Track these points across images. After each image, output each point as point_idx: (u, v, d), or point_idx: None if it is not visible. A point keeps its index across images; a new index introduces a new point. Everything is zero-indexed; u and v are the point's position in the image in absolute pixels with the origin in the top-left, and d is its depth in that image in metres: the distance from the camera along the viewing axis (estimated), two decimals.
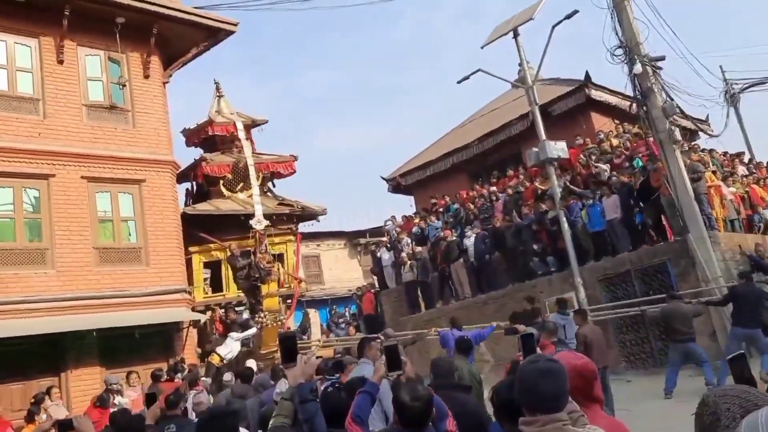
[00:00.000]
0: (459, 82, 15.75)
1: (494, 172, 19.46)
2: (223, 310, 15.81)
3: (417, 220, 19.89)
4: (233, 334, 13.05)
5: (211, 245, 17.39)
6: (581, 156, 16.10)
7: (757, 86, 21.71)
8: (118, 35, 13.77)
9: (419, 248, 17.58)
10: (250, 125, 19.13)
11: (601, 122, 18.62)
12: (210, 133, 18.50)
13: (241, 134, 17.64)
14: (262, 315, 13.93)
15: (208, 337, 15.77)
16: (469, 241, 16.25)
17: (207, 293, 17.57)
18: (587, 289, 13.51)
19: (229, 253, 15.36)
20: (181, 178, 18.21)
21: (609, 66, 12.76)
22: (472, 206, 18.04)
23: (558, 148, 14.39)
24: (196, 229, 16.85)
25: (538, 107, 14.97)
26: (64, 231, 12.64)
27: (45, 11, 13.14)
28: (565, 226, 13.83)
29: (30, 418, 9.14)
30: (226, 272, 17.20)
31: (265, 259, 14.51)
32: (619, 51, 12.70)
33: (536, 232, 15.13)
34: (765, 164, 18.50)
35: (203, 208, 17.51)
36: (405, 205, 28.01)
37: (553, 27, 14.00)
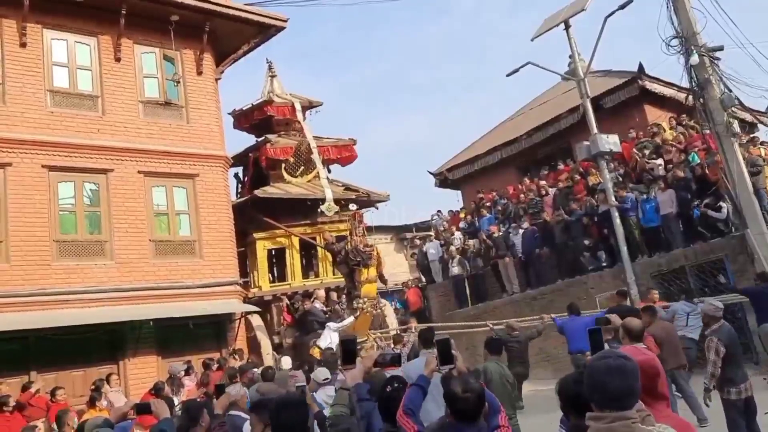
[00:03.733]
0: (508, 75, 15.61)
1: (544, 166, 19.21)
2: (294, 300, 15.39)
3: (464, 215, 19.80)
4: (331, 324, 12.41)
5: (277, 231, 16.55)
6: (634, 150, 15.76)
7: None
8: (172, 33, 14.11)
9: (469, 242, 17.52)
10: (307, 107, 18.37)
11: (655, 115, 18.15)
12: (266, 115, 17.51)
13: (300, 115, 17.13)
14: (360, 302, 13.22)
15: (275, 328, 15.47)
16: (517, 237, 16.12)
17: (273, 282, 16.90)
18: (640, 286, 13.24)
19: (323, 242, 14.86)
20: (232, 163, 17.32)
21: (664, 57, 12.46)
22: (520, 201, 17.87)
23: (610, 142, 14.12)
24: (262, 214, 16.09)
25: (589, 100, 14.72)
26: (122, 224, 13.06)
27: (102, 11, 13.56)
28: (617, 221, 13.58)
29: (91, 403, 9.50)
30: (291, 260, 16.63)
31: (363, 242, 13.80)
32: (675, 41, 12.35)
33: (586, 226, 14.90)
34: None
35: (273, 191, 16.65)
36: (452, 200, 27.90)
37: (606, 18, 13.74)
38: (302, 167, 17.15)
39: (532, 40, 15.68)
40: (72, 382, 11.72)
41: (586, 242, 15.09)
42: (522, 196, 18.13)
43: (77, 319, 11.55)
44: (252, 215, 16.17)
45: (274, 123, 17.81)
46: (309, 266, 17.81)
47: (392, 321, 16.20)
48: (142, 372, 12.35)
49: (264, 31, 15.75)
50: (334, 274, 16.76)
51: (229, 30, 15.27)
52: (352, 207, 14.31)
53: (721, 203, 12.58)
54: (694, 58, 12.10)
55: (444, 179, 23.26)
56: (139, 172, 13.53)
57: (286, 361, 11.23)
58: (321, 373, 6.15)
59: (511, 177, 20.65)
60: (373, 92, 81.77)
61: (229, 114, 18.05)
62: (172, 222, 13.97)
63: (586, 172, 16.53)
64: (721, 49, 12.38)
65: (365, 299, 13.32)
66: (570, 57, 15.13)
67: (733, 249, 12.25)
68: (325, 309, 14.60)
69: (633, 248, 13.70)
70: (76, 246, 12.59)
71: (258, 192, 16.17)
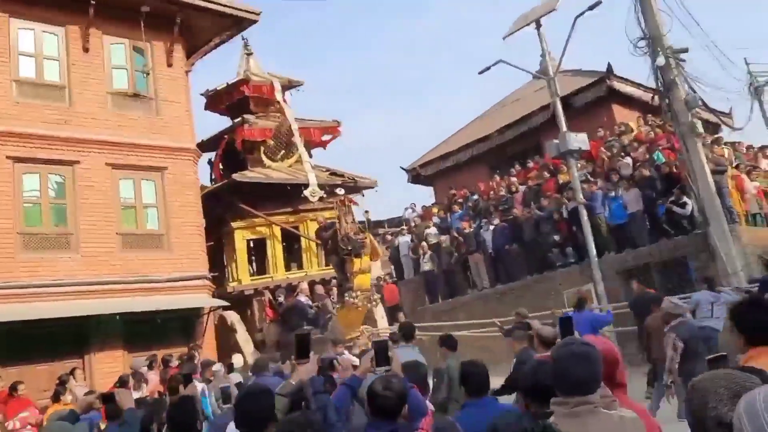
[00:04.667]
0: (480, 73, 15.72)
1: (515, 163, 19.43)
2: (277, 294, 14.56)
3: (436, 211, 19.92)
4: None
5: (256, 220, 15.49)
6: (602, 149, 16.02)
7: None
8: (142, 24, 13.93)
9: (441, 238, 17.62)
10: (287, 86, 17.23)
11: (622, 114, 18.49)
12: (243, 95, 16.33)
13: (279, 95, 16.00)
14: (353, 294, 12.36)
15: (257, 325, 14.64)
16: (488, 233, 16.28)
17: (253, 275, 15.97)
18: (606, 282, 13.48)
19: (318, 225, 13.59)
20: (204, 147, 16.56)
21: (632, 58, 12.66)
22: (491, 197, 18.04)
23: (579, 140, 14.34)
24: (240, 201, 15.07)
25: (559, 98, 14.92)
26: (88, 216, 12.88)
27: (71, 0, 13.33)
28: (585, 218, 13.80)
29: (56, 398, 9.37)
30: (273, 251, 15.60)
31: (353, 229, 12.68)
32: (642, 43, 12.58)
33: (556, 223, 15.11)
34: None
35: (252, 176, 15.48)
36: (424, 196, 28.00)
37: (576, 18, 13.94)
38: (283, 151, 16.14)
39: (504, 38, 15.84)
40: (37, 376, 11.53)
41: (555, 239, 15.31)
42: (492, 192, 18.30)
43: (42, 312, 11.38)
44: (229, 202, 15.19)
45: (251, 104, 16.70)
46: (291, 258, 16.86)
47: (381, 316, 15.32)
48: (108, 366, 12.21)
49: (236, 24, 15.63)
50: (319, 266, 15.98)
51: (200, 22, 15.13)
52: (340, 191, 13.37)
53: (686, 200, 12.86)
54: (660, 60, 12.34)
55: (416, 175, 23.39)
56: (106, 164, 13.36)
57: (238, 359, 10.83)
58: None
59: (482, 174, 20.84)
60: (346, 88, 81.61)
61: (201, 95, 17.18)
62: (139, 215, 13.82)
63: (556, 170, 16.75)
64: (686, 51, 12.64)
65: (358, 292, 12.51)
66: (541, 56, 15.31)
67: (696, 246, 12.53)
68: (311, 304, 13.88)
69: (600, 245, 13.94)
70: (42, 239, 12.40)
71: (236, 176, 15.14)
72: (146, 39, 14.29)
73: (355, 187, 17.08)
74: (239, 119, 16.19)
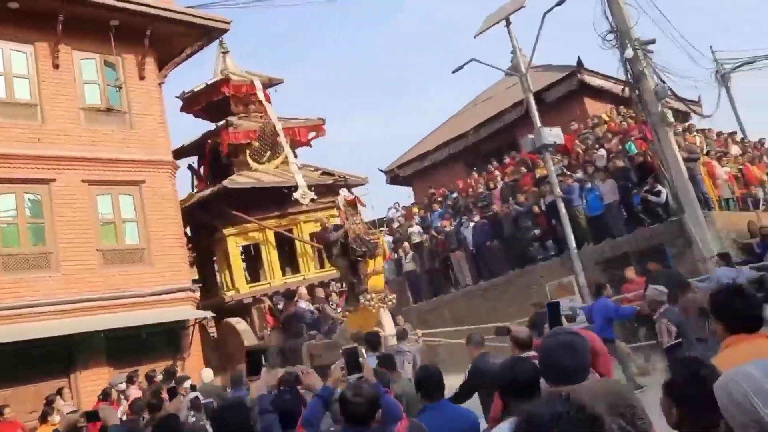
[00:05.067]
0: (454, 72, 15.88)
1: (492, 160, 19.61)
2: (277, 300, 14.07)
3: (416, 210, 20.03)
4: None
5: (248, 225, 14.91)
6: (576, 141, 16.25)
7: (746, 66, 21.85)
8: (112, 38, 13.84)
9: (424, 237, 17.71)
10: (267, 84, 16.61)
11: (594, 107, 18.77)
12: (222, 95, 15.63)
13: (261, 94, 15.43)
14: (368, 296, 11.69)
15: (258, 333, 14.11)
16: (468, 230, 16.40)
17: (249, 282, 15.39)
18: (587, 273, 13.68)
19: (320, 227, 12.84)
20: (184, 152, 16.07)
21: (601, 51, 12.88)
22: (469, 194, 18.19)
23: (553, 134, 14.53)
24: (231, 207, 14.55)
25: (531, 94, 15.11)
26: (67, 234, 12.76)
27: (39, 17, 13.21)
28: (563, 211, 13.99)
29: (43, 418, 9.33)
30: (268, 257, 15.01)
31: (363, 230, 12.08)
32: (611, 36, 12.81)
33: (535, 217, 15.29)
34: (759, 142, 18.65)
35: (243, 181, 14.94)
36: (403, 197, 28.10)
37: (545, 14, 14.15)
38: (269, 152, 15.51)
39: (474, 36, 16.02)
40: (23, 398, 11.41)
41: (535, 233, 15.49)
42: (471, 190, 18.45)
43: (25, 333, 11.25)
44: (219, 209, 14.70)
45: (231, 104, 16.04)
46: (287, 262, 16.38)
47: (388, 322, 14.17)
48: (94, 384, 12.09)
49: (207, 34, 15.59)
50: (316, 269, 15.56)
51: (171, 33, 15.07)
52: (344, 192, 12.61)
53: (660, 188, 13.10)
54: (629, 52, 12.56)
55: (395, 176, 23.51)
56: (82, 180, 13.25)
57: (207, 374, 10.53)
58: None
59: (460, 172, 21.02)
60: (323, 90, 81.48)
61: (177, 97, 16.56)
62: (119, 230, 13.72)
63: (532, 165, 16.95)
64: (653, 42, 12.89)
65: (372, 294, 11.83)
66: (512, 53, 15.49)
67: (671, 234, 12.77)
68: (311, 308, 13.47)
69: (579, 237, 14.13)
70: (20, 259, 12.26)
71: (226, 182, 14.58)
72: (117, 53, 14.19)
73: (345, 185, 16.20)
74: (223, 122, 15.54)
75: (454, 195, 19.08)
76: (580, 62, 18.41)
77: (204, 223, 14.82)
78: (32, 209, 12.78)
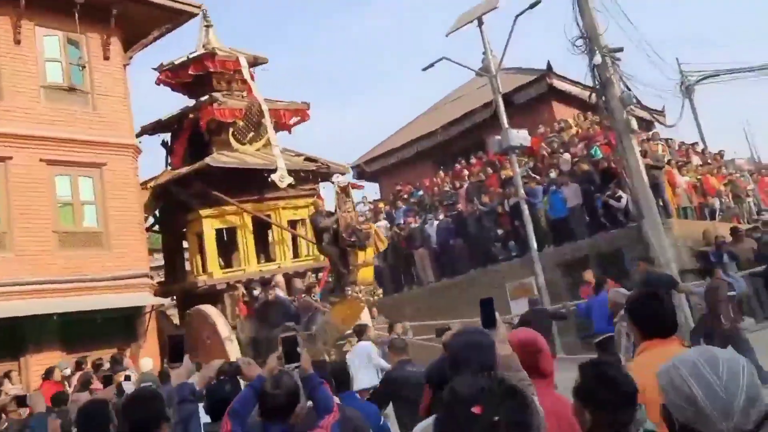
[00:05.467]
0: (424, 70, 15.95)
1: (460, 159, 19.73)
2: (252, 287, 13.29)
3: (382, 206, 20.05)
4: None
5: (227, 208, 13.93)
6: (543, 144, 16.44)
7: (710, 78, 22.41)
8: (77, 15, 13.47)
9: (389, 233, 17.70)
10: (252, 63, 15.74)
11: (562, 111, 19.01)
12: (208, 70, 14.78)
13: (246, 72, 14.66)
14: (356, 289, 11.14)
15: (230, 321, 13.27)
16: (432, 228, 16.47)
17: (223, 268, 14.45)
18: (547, 274, 13.86)
19: (312, 210, 12.18)
20: (159, 129, 15.38)
21: (571, 56, 13.06)
22: (435, 193, 18.27)
23: (520, 137, 14.69)
24: (210, 187, 13.66)
25: (501, 96, 15.24)
26: (22, 214, 12.40)
27: None
28: (526, 212, 14.14)
29: None
30: (244, 242, 14.12)
31: (355, 218, 11.48)
32: (580, 42, 13.00)
33: (499, 217, 15.43)
34: (719, 154, 19.13)
35: (227, 160, 14.04)
36: (370, 193, 28.02)
37: (517, 16, 14.31)
38: (252, 132, 14.58)
39: (446, 35, 16.12)
40: None
41: (498, 233, 15.64)
42: (437, 188, 18.53)
43: None
44: (198, 188, 13.79)
45: (214, 81, 15.05)
46: (261, 249, 15.49)
47: (366, 313, 13.61)
48: (45, 368, 11.82)
49: (176, 17, 15.28)
50: (292, 258, 14.79)
51: (138, 14, 14.72)
52: (337, 178, 12.19)
53: (621, 194, 13.34)
54: (597, 58, 12.76)
55: (361, 172, 23.45)
56: (41, 160, 12.88)
57: (147, 363, 10.15)
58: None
59: (427, 170, 21.08)
60: (290, 85, 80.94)
61: (154, 69, 15.69)
62: (77, 212, 13.38)
63: (498, 166, 17.10)
64: (621, 50, 13.12)
65: (361, 286, 11.27)
66: (483, 53, 15.60)
67: (631, 239, 13.02)
68: (290, 299, 12.78)
69: (541, 239, 14.31)
70: None
71: (209, 160, 13.60)
72: (81, 31, 13.82)
73: (327, 173, 15.45)
74: (207, 97, 14.45)
75: (420, 193, 19.14)
76: (549, 66, 18.63)
77: (178, 202, 13.94)
78: None
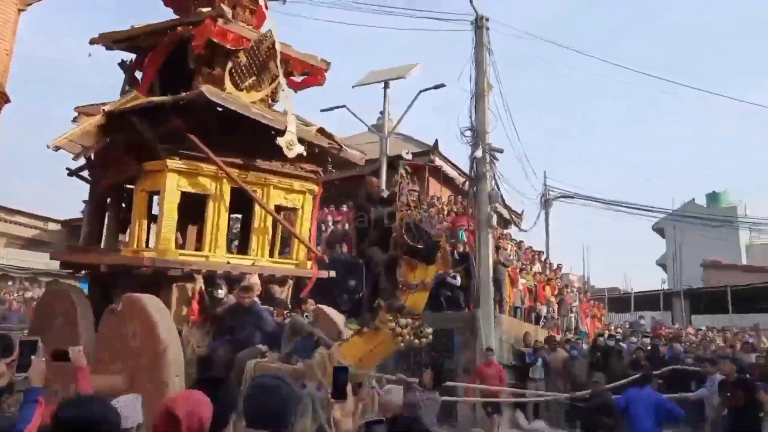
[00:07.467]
0: (322, 111, 16.31)
1: (345, 202, 19.77)
2: (219, 282, 8.75)
3: None
4: None
5: (202, 167, 8.93)
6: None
7: (567, 198, 24.78)
8: None
9: None
10: None
11: (436, 188, 20.06)
12: None
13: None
14: (400, 320, 6.53)
15: (178, 325, 8.20)
16: None
17: (180, 248, 9.46)
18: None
19: (369, 187, 8.09)
20: (122, 43, 9.78)
21: (456, 142, 13.97)
22: None
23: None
24: (188, 131, 8.76)
25: (386, 157, 15.92)
26: None
27: None
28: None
29: None
30: (216, 218, 9.14)
31: (416, 213, 6.89)
32: (469, 133, 14.01)
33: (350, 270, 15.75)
34: (558, 267, 20.96)
35: (226, 97, 9.29)
36: None
37: (419, 92, 15.17)
38: (253, 77, 10.08)
39: (353, 87, 16.67)
40: None
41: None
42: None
43: None
44: (172, 128, 8.89)
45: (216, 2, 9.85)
46: (234, 235, 11.72)
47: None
48: None
49: None
50: (272, 256, 9.96)
51: None
52: (289, 151, 8.59)
53: (457, 275, 14.04)
54: (479, 152, 13.80)
55: None
56: None
57: None
58: None
59: None
60: None
61: None
62: None
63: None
64: (501, 151, 14.29)
65: (408, 318, 6.64)
66: (381, 113, 16.32)
67: (464, 322, 13.86)
68: (270, 309, 8.70)
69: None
70: None
71: (204, 90, 8.79)
72: None
73: (337, 156, 10.66)
74: (209, 9, 9.66)
75: None
76: (436, 144, 19.71)
77: (133, 142, 9.21)
78: None
